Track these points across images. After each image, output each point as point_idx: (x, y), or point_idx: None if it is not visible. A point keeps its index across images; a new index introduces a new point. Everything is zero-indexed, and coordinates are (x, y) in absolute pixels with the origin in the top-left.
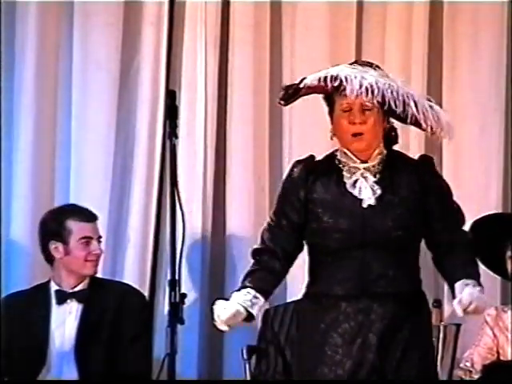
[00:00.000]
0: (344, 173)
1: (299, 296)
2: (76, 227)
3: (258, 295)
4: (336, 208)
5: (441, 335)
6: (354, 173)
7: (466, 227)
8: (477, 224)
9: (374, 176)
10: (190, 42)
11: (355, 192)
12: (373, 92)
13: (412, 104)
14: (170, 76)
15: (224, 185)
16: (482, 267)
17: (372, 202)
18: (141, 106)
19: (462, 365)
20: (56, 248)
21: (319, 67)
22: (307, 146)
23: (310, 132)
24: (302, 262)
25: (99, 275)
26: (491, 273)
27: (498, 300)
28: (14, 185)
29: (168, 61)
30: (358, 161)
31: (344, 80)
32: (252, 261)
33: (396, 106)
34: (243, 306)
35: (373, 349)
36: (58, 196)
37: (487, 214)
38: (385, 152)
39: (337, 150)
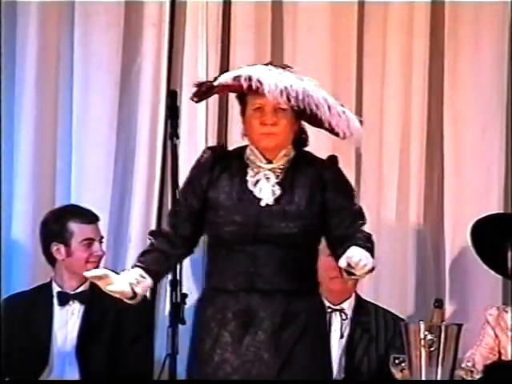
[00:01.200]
0: (249, 170)
1: None
2: (78, 229)
3: (144, 275)
4: (234, 203)
5: (442, 335)
6: (258, 172)
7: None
8: (478, 224)
9: (277, 177)
10: (191, 42)
11: (255, 191)
12: (288, 94)
13: (326, 108)
14: (171, 76)
15: None
16: (484, 267)
17: (270, 201)
18: (142, 107)
19: (463, 365)
20: (58, 250)
21: (320, 67)
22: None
23: (309, 131)
24: None
25: None
26: (493, 272)
27: (499, 300)
28: (15, 185)
29: (169, 61)
30: (264, 161)
31: (259, 81)
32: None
33: (310, 110)
34: (129, 283)
35: (263, 346)
36: (59, 196)
37: (489, 214)
38: (293, 153)
39: (247, 146)
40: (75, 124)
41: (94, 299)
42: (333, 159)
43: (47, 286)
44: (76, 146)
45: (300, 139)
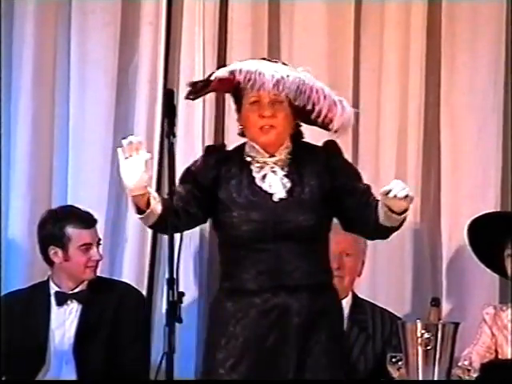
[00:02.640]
0: (252, 167)
1: None
2: (75, 234)
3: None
4: (247, 202)
5: (439, 334)
6: (263, 167)
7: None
8: (475, 222)
9: (283, 169)
10: (187, 41)
11: (265, 186)
12: (284, 84)
13: (321, 97)
14: (168, 75)
15: None
16: (481, 266)
17: (283, 195)
18: (139, 105)
19: (460, 363)
20: (55, 253)
21: (317, 66)
22: None
23: (307, 131)
24: None
25: (98, 274)
26: (490, 271)
27: (496, 299)
28: (12, 184)
29: (166, 60)
30: (267, 155)
31: (254, 72)
32: None
33: (306, 99)
34: (147, 186)
35: (291, 343)
36: (56, 195)
37: (485, 212)
38: (291, 146)
39: (245, 144)
40: (72, 123)
41: (92, 299)
42: (333, 144)
43: (45, 285)
44: (73, 145)
45: (296, 132)
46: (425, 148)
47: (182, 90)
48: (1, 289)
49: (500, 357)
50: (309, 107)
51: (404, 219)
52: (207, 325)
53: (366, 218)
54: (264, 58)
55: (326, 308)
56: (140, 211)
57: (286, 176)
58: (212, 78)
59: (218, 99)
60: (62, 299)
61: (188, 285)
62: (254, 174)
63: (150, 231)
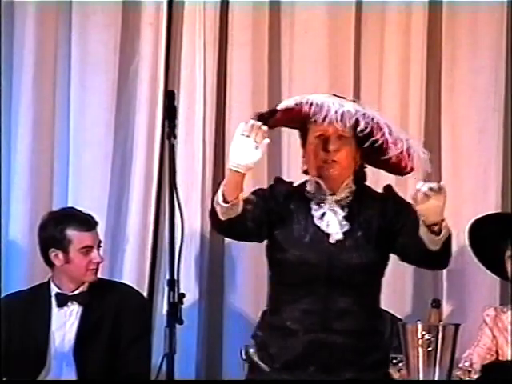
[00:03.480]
0: (312, 205)
1: None
2: (76, 237)
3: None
4: (302, 243)
5: (440, 335)
6: (323, 205)
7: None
8: (476, 224)
9: (342, 209)
10: (188, 42)
11: (323, 226)
12: (350, 118)
13: (387, 135)
14: (168, 76)
15: None
16: (481, 267)
17: (339, 237)
18: (139, 107)
19: (460, 365)
20: (56, 255)
21: (318, 68)
22: None
23: None
24: None
25: (98, 275)
26: (490, 273)
27: (497, 300)
28: (13, 186)
29: (167, 61)
30: (328, 192)
31: (321, 105)
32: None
33: (371, 136)
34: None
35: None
36: (57, 197)
37: (486, 214)
38: (354, 187)
39: (306, 181)
40: (72, 124)
41: (92, 301)
42: (389, 189)
43: (45, 287)
44: (73, 146)
45: (360, 172)
46: (425, 149)
47: (183, 92)
48: (1, 290)
49: (501, 358)
50: (373, 142)
51: (448, 240)
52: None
53: (416, 247)
54: (334, 95)
55: (371, 353)
56: (226, 201)
57: (344, 218)
58: (278, 107)
59: (219, 100)
60: (62, 301)
61: (188, 286)
62: (313, 213)
63: (150, 232)
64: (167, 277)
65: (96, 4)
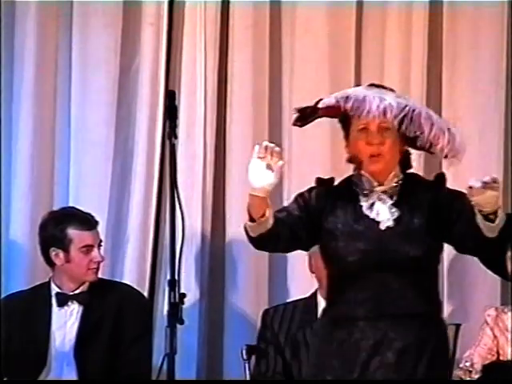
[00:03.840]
0: (360, 196)
1: (298, 296)
2: (77, 236)
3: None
4: (353, 232)
5: None
6: (371, 196)
7: None
8: None
9: (391, 198)
10: (189, 42)
11: (372, 215)
12: (392, 111)
13: (428, 125)
14: (169, 76)
15: (223, 185)
16: (482, 267)
17: (390, 223)
18: (140, 107)
19: (461, 365)
20: (57, 255)
21: (318, 68)
22: (307, 147)
23: (309, 133)
24: (303, 261)
25: (99, 275)
26: (491, 273)
27: (498, 300)
28: (14, 185)
29: (167, 61)
30: (375, 183)
31: (363, 100)
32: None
33: (413, 127)
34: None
35: (391, 368)
36: (58, 197)
37: None
38: (401, 175)
39: (351, 175)
40: (73, 124)
41: (93, 300)
42: (442, 178)
43: (46, 286)
44: (74, 146)
45: (405, 160)
46: None
47: (184, 91)
48: (1, 290)
49: (502, 358)
50: (416, 134)
51: (505, 227)
52: (313, 348)
53: (474, 235)
54: (372, 84)
55: (428, 339)
56: (251, 219)
57: (393, 205)
58: (320, 105)
59: (220, 100)
60: (62, 300)
61: (189, 286)
62: (362, 203)
63: (151, 232)
64: (168, 277)
65: (97, 4)
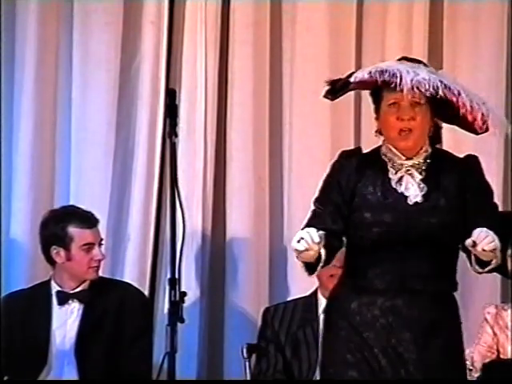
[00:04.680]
0: (389, 168)
1: (298, 295)
2: (77, 234)
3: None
4: (380, 203)
5: None
6: (400, 169)
7: None
8: None
9: (420, 173)
10: (189, 40)
11: (401, 189)
12: (425, 86)
13: (463, 100)
14: (169, 75)
15: (224, 184)
16: None
17: (419, 199)
18: (141, 105)
19: None
20: (57, 253)
21: (319, 66)
22: (307, 145)
23: (309, 132)
24: None
25: (100, 274)
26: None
27: (498, 298)
28: (15, 185)
29: (168, 60)
30: (404, 157)
31: (396, 74)
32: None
33: (446, 102)
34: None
35: (409, 347)
36: (58, 195)
37: None
38: (430, 150)
39: (381, 146)
40: (74, 123)
41: (93, 299)
42: (474, 159)
43: (46, 285)
44: (75, 145)
45: (435, 135)
46: None
47: (184, 90)
48: (1, 289)
49: (502, 356)
50: (449, 109)
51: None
52: (328, 318)
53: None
54: (405, 58)
55: (445, 316)
56: (309, 268)
57: (422, 180)
58: (351, 79)
59: (220, 99)
60: (63, 299)
61: (190, 285)
62: (391, 176)
63: (152, 231)
64: (168, 275)
65: (97, 2)
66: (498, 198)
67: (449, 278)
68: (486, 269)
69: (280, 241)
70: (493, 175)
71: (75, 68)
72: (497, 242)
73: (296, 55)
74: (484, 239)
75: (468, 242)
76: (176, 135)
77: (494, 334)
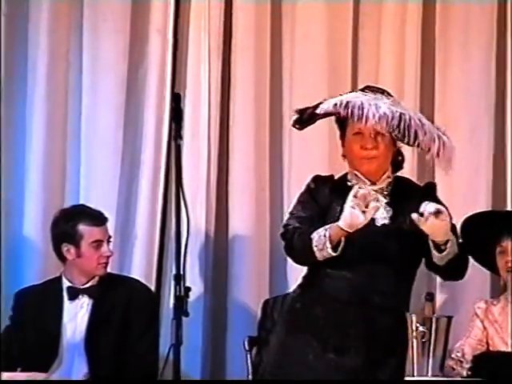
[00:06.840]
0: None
1: None
2: (87, 231)
3: None
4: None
5: (433, 327)
6: None
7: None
8: (468, 221)
9: (385, 197)
10: (194, 47)
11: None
12: (386, 120)
13: (422, 133)
14: (175, 80)
15: (226, 184)
16: (472, 262)
17: (386, 221)
18: (147, 109)
19: (453, 355)
20: (68, 250)
21: (317, 71)
22: (306, 148)
23: (309, 135)
24: None
25: (108, 270)
26: (482, 267)
27: (487, 293)
28: (27, 185)
29: (173, 65)
30: (369, 182)
31: (358, 108)
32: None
33: (407, 136)
34: None
35: (362, 356)
36: (69, 194)
37: (477, 211)
38: (392, 176)
39: (347, 173)
40: (84, 125)
41: (102, 294)
42: (432, 186)
43: (58, 280)
44: (85, 147)
45: (396, 161)
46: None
47: (189, 94)
48: (1, 288)
49: (491, 349)
50: (409, 141)
51: (456, 259)
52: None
53: (427, 260)
54: (368, 86)
55: (399, 332)
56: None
57: (388, 204)
58: (318, 111)
59: (223, 103)
60: (73, 294)
61: (194, 280)
62: None
63: (158, 229)
64: (174, 271)
65: (106, 11)
66: (487, 199)
67: (406, 296)
68: (444, 252)
69: (280, 238)
70: (483, 177)
71: (85, 73)
72: (445, 216)
73: (295, 60)
74: (427, 205)
75: (414, 215)
76: (181, 137)
77: (484, 327)
